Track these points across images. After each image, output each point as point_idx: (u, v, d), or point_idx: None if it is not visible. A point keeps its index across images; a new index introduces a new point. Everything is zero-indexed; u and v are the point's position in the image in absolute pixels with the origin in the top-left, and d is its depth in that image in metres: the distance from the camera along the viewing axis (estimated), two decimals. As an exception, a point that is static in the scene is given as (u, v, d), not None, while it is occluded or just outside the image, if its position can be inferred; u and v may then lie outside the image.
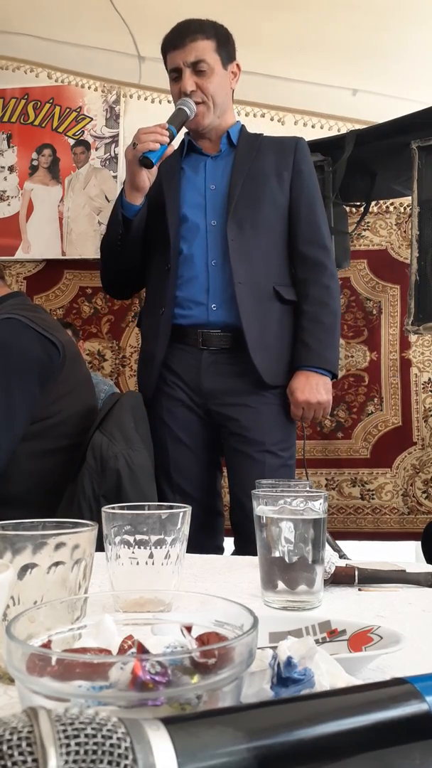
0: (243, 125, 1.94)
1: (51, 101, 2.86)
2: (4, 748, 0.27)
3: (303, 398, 1.77)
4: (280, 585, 0.82)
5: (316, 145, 2.32)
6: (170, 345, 1.81)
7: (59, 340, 1.56)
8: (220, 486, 1.95)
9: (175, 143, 1.86)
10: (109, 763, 0.27)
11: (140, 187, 1.75)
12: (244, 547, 1.75)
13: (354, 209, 2.71)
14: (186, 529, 0.81)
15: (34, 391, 1.50)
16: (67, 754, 0.27)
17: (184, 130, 1.90)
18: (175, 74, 1.81)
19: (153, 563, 0.78)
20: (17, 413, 1.48)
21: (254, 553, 0.91)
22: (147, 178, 1.74)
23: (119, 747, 0.28)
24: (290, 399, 1.80)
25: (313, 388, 1.77)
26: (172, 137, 1.72)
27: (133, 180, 1.76)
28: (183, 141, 1.92)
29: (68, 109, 2.85)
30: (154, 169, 1.74)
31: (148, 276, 1.91)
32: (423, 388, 2.75)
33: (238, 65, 1.88)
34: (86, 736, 0.28)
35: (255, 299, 1.76)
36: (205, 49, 1.79)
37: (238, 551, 1.81)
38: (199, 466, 1.85)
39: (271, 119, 2.70)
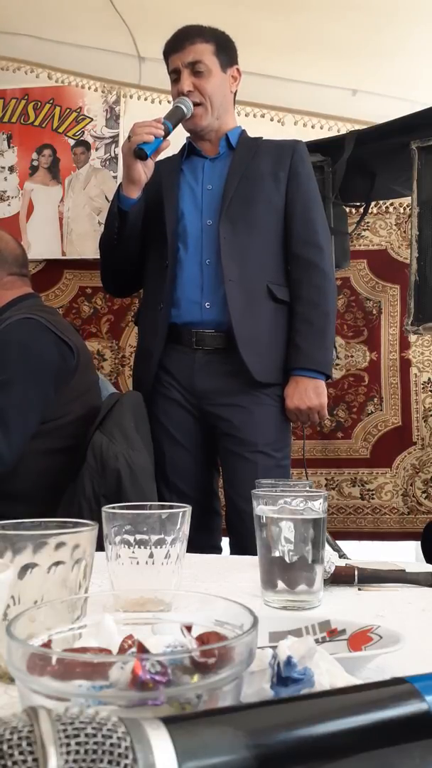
0: (244, 129, 1.95)
1: (51, 102, 2.85)
2: (5, 747, 0.27)
3: (293, 405, 1.79)
4: (280, 585, 0.82)
5: (316, 146, 2.32)
6: (166, 344, 1.82)
7: (74, 344, 1.60)
8: (216, 485, 1.95)
9: (176, 144, 1.87)
10: (110, 762, 0.27)
11: (135, 179, 1.77)
12: (239, 547, 1.76)
13: (354, 209, 2.71)
14: (186, 529, 0.81)
15: (48, 392, 1.54)
16: (68, 753, 0.27)
17: (185, 133, 1.92)
18: (175, 75, 1.85)
19: (153, 563, 0.78)
20: (31, 413, 1.51)
21: (249, 553, 0.91)
22: (142, 170, 1.76)
23: (119, 746, 0.28)
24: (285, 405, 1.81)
25: (302, 394, 1.78)
26: (167, 132, 1.74)
27: (128, 172, 1.78)
28: (184, 145, 1.94)
29: (68, 110, 2.85)
30: (151, 163, 1.76)
31: (145, 275, 1.92)
32: (423, 388, 2.75)
33: (238, 70, 1.90)
34: (86, 735, 0.28)
35: (246, 297, 1.77)
36: (203, 51, 1.81)
37: (233, 551, 1.82)
38: (195, 466, 1.85)
39: (271, 119, 2.70)
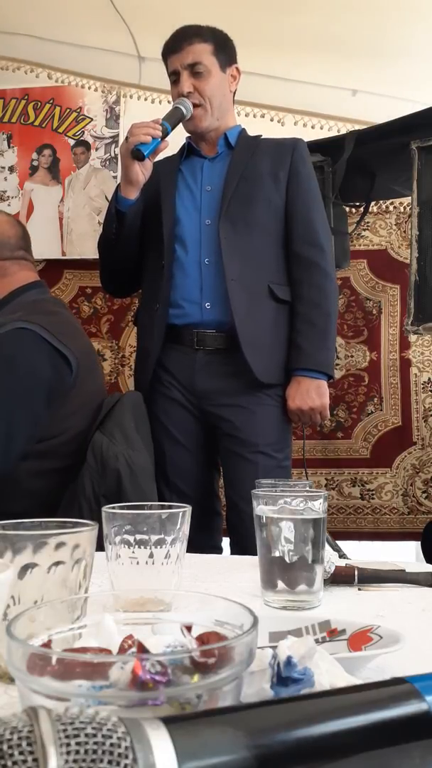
0: (243, 128, 1.95)
1: (51, 101, 2.85)
2: (5, 747, 0.27)
3: (294, 406, 1.79)
4: (280, 585, 0.82)
5: (316, 146, 2.32)
6: (165, 345, 1.82)
7: (74, 353, 1.48)
8: (217, 486, 1.95)
9: (174, 144, 1.87)
10: (110, 762, 0.27)
11: (133, 180, 1.77)
12: (239, 547, 1.76)
13: (354, 209, 2.71)
14: (186, 529, 0.81)
15: (38, 411, 1.43)
16: (68, 753, 0.27)
17: (185, 133, 1.91)
18: (174, 77, 1.85)
19: (153, 563, 0.78)
20: (17, 432, 1.40)
21: (249, 553, 0.91)
22: (140, 171, 1.76)
23: (119, 746, 0.28)
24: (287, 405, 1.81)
25: (304, 395, 1.78)
26: (165, 133, 1.74)
27: (126, 173, 1.78)
28: (184, 145, 1.94)
29: (68, 110, 2.85)
30: (149, 164, 1.76)
31: (144, 274, 1.92)
32: (423, 388, 2.75)
33: (237, 68, 1.90)
34: (86, 735, 0.28)
35: (248, 296, 1.77)
36: (202, 51, 1.81)
37: (233, 551, 1.82)
38: (195, 466, 1.85)
39: (271, 120, 2.70)
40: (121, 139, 2.79)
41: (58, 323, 1.51)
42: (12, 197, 2.87)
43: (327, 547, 0.86)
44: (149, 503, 0.84)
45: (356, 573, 0.91)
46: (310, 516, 0.83)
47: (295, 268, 1.84)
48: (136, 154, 1.71)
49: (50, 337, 1.44)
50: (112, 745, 0.28)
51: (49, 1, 2.57)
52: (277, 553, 0.82)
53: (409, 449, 2.74)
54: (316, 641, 0.60)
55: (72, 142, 2.85)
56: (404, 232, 2.75)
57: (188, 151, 1.93)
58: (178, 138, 1.90)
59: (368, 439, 2.77)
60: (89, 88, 2.84)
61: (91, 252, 2.74)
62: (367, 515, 2.74)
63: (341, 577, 0.91)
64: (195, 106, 1.82)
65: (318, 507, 0.84)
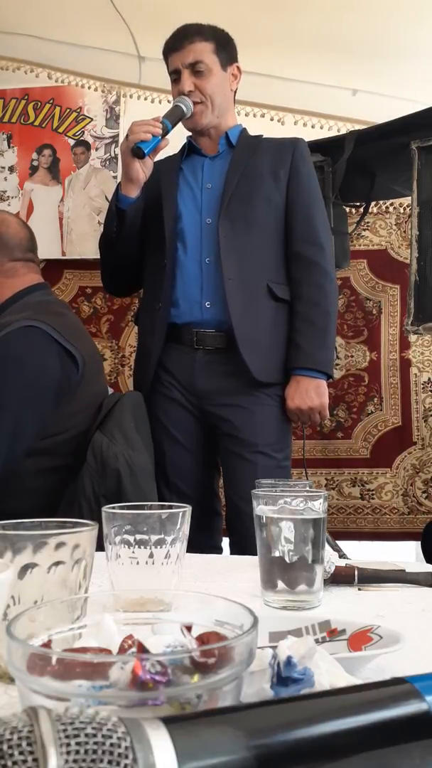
0: (244, 128, 1.95)
1: (51, 101, 2.85)
2: (5, 747, 0.27)
3: (294, 406, 1.78)
4: (280, 585, 0.82)
5: (316, 146, 2.32)
6: (166, 344, 1.82)
7: (81, 354, 1.49)
8: (217, 486, 1.95)
9: (175, 142, 1.87)
10: (110, 762, 0.27)
11: (133, 178, 1.77)
12: (239, 547, 1.76)
13: (354, 209, 2.71)
14: (186, 529, 0.81)
15: (45, 410, 1.44)
16: (68, 753, 0.27)
17: (186, 132, 1.91)
18: (175, 76, 1.84)
19: (153, 563, 0.78)
20: (24, 431, 1.42)
21: (249, 553, 0.91)
22: (140, 169, 1.76)
23: (119, 746, 0.28)
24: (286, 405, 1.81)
25: (303, 395, 1.78)
26: (166, 131, 1.74)
27: (126, 171, 1.78)
28: (184, 144, 1.94)
29: (68, 110, 2.85)
30: (149, 162, 1.76)
31: (145, 274, 1.92)
32: (423, 388, 2.75)
33: (238, 67, 1.90)
34: (86, 735, 0.28)
35: (246, 296, 1.76)
36: (203, 50, 1.81)
37: (233, 551, 1.82)
38: (195, 466, 1.85)
39: (271, 119, 2.70)
40: (122, 139, 2.80)
41: (65, 324, 1.52)
42: (12, 197, 2.87)
43: (327, 547, 0.86)
44: (149, 503, 0.84)
45: (356, 573, 0.91)
46: (310, 516, 0.83)
47: (294, 267, 1.84)
48: (137, 151, 1.71)
49: (58, 335, 1.45)
50: (112, 745, 0.28)
51: (48, 1, 2.57)
52: (277, 553, 0.82)
53: (409, 449, 2.74)
54: (316, 641, 0.60)
55: (72, 142, 2.85)
56: (404, 232, 2.75)
57: (189, 150, 1.93)
58: (179, 138, 1.90)
59: (368, 439, 2.77)
60: (89, 88, 2.84)
61: (91, 252, 2.74)
62: (367, 515, 2.74)
63: (341, 577, 0.91)
64: (195, 103, 1.82)
65: (318, 507, 0.84)
